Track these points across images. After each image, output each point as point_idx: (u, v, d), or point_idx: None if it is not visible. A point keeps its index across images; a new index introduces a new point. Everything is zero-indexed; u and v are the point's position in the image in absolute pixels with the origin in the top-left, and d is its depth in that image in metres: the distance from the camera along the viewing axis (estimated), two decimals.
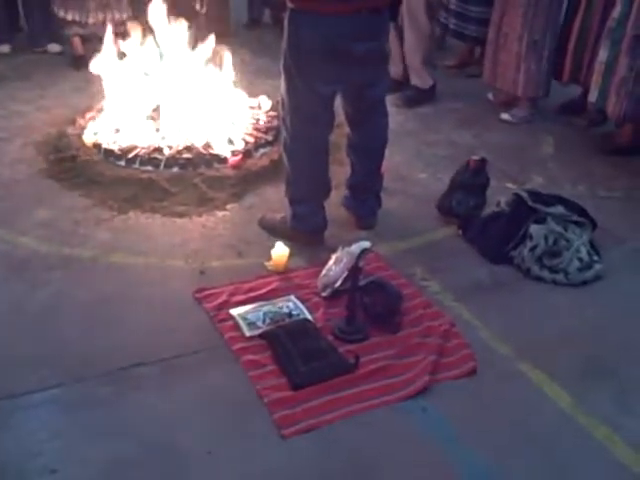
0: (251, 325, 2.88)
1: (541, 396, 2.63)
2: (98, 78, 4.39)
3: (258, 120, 4.50)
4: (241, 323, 2.89)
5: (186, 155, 4.04)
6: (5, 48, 5.81)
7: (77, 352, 2.75)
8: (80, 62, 5.46)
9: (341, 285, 3.01)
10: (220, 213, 3.69)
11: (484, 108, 5.10)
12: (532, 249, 3.28)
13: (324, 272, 3.09)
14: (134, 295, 3.08)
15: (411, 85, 5.08)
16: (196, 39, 4.37)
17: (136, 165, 4.00)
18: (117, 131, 4.22)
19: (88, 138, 4.22)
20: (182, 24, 4.28)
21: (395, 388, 2.61)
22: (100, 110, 4.50)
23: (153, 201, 3.74)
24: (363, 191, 3.58)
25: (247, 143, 4.20)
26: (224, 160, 4.03)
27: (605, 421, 2.51)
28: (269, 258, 3.26)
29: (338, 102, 3.33)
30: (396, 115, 4.61)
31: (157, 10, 4.23)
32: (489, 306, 3.08)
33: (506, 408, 2.58)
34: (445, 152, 4.43)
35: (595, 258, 3.30)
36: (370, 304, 2.94)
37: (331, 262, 3.09)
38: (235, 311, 2.95)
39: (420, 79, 5.06)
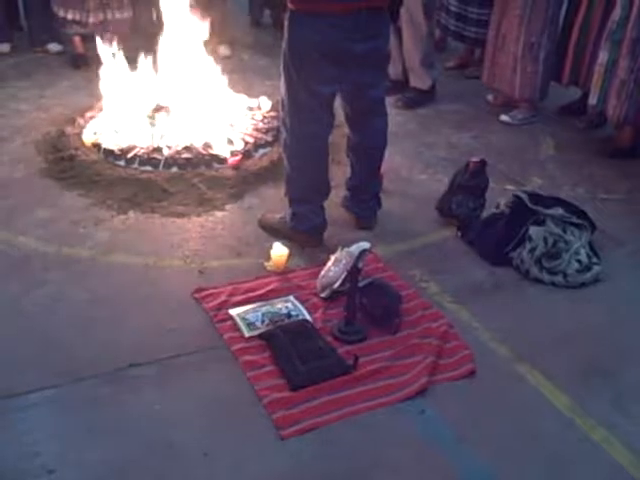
0: (250, 325, 2.88)
1: (539, 398, 2.63)
2: (98, 78, 4.40)
3: (258, 121, 4.49)
4: (240, 323, 2.89)
5: (185, 155, 4.03)
6: (5, 47, 5.80)
7: (75, 352, 2.75)
8: (80, 61, 5.46)
9: (340, 286, 3.01)
10: (219, 213, 3.68)
11: (484, 110, 5.10)
12: (531, 251, 3.28)
13: (323, 273, 3.09)
14: (133, 295, 3.08)
15: (411, 87, 5.08)
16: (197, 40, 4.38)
17: (135, 165, 4.00)
18: (116, 131, 4.22)
19: (87, 138, 4.22)
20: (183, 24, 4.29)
21: (394, 389, 2.61)
22: (100, 110, 4.50)
23: (152, 201, 3.74)
24: (363, 192, 3.58)
25: (247, 143, 4.20)
26: (223, 160, 4.03)
27: (603, 423, 2.51)
28: (268, 258, 3.26)
29: (338, 102, 3.33)
30: (396, 116, 4.62)
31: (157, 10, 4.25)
32: (488, 308, 3.08)
33: (505, 409, 2.58)
34: (445, 153, 4.44)
35: (594, 260, 3.30)
36: (369, 305, 2.94)
37: (330, 263, 3.09)
38: (234, 311, 2.95)
39: (419, 80, 5.05)
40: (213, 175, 3.95)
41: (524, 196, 3.47)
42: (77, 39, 5.50)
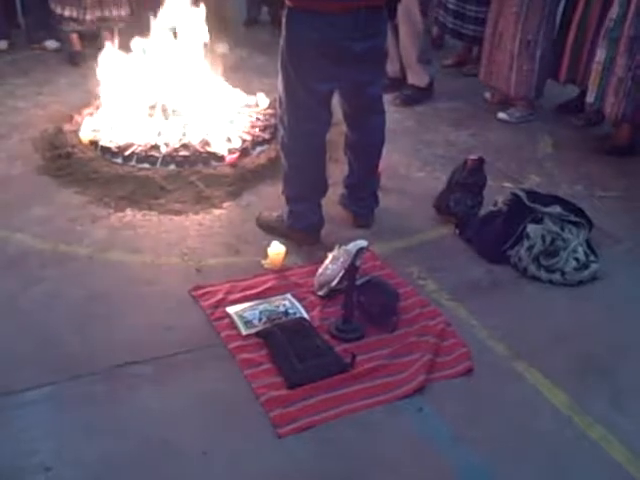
0: (247, 323, 2.87)
1: (537, 395, 2.63)
2: (95, 75, 4.39)
3: (255, 118, 4.48)
4: (237, 321, 2.88)
5: (183, 153, 4.03)
6: (2, 44, 5.79)
7: (72, 350, 2.75)
8: (77, 58, 5.45)
9: (338, 284, 3.00)
10: (217, 211, 3.68)
11: (482, 107, 5.09)
12: (529, 249, 3.28)
13: (321, 271, 3.09)
14: (130, 293, 3.07)
15: (409, 84, 5.08)
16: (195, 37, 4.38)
17: (133, 162, 3.99)
18: (114, 128, 4.21)
19: (85, 135, 4.21)
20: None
21: (391, 387, 2.61)
22: (97, 107, 4.49)
23: (150, 199, 3.73)
24: (360, 189, 3.58)
25: (244, 141, 4.19)
26: (221, 158, 4.03)
27: (601, 421, 2.51)
28: (266, 256, 3.25)
29: (336, 100, 3.33)
30: (394, 114, 4.62)
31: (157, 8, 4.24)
32: (486, 305, 3.08)
33: (502, 407, 2.58)
34: (443, 151, 4.43)
35: (592, 258, 3.30)
36: (366, 303, 2.93)
37: (328, 261, 3.09)
38: (232, 309, 2.95)
39: (417, 77, 5.05)
40: (211, 173, 3.94)
41: (522, 194, 3.46)
42: (74, 36, 5.49)
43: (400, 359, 2.74)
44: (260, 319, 2.90)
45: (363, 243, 3.01)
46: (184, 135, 4.15)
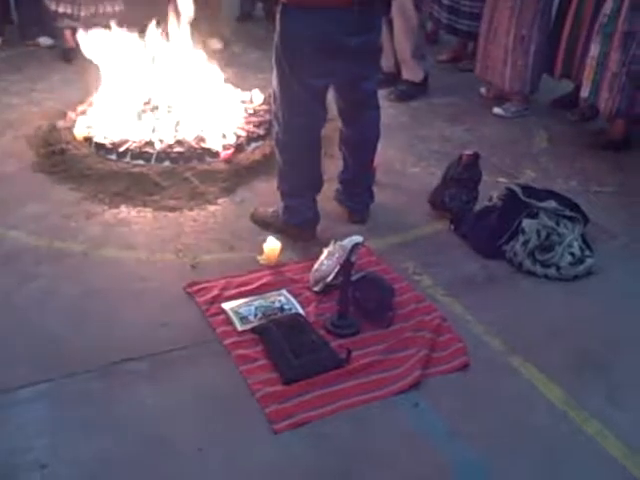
0: (243, 319, 2.87)
1: (533, 390, 2.64)
2: (89, 71, 4.37)
3: (250, 114, 4.48)
4: (233, 317, 2.88)
5: (178, 149, 4.02)
6: None
7: (67, 347, 2.74)
8: (71, 55, 5.43)
9: (333, 279, 3.00)
10: (212, 207, 3.67)
11: (477, 102, 5.10)
12: (524, 243, 3.28)
13: (316, 266, 3.08)
14: (125, 289, 3.07)
15: (403, 79, 5.08)
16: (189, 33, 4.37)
17: (127, 159, 3.98)
18: (108, 125, 4.20)
19: (79, 132, 4.19)
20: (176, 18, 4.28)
21: (387, 383, 2.61)
22: (91, 103, 4.48)
23: (144, 195, 3.72)
24: (355, 185, 3.57)
25: (239, 137, 4.18)
26: (216, 154, 4.02)
27: (596, 415, 2.52)
28: (261, 252, 3.25)
29: (331, 95, 3.32)
30: (389, 109, 4.62)
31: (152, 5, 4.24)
32: (481, 300, 3.08)
33: (498, 402, 2.58)
34: (438, 146, 4.43)
35: (587, 253, 3.30)
36: (362, 299, 2.93)
37: (323, 256, 3.08)
38: (227, 305, 2.94)
39: (411, 72, 5.05)
40: (205, 169, 3.93)
41: (517, 189, 3.47)
42: (68, 33, 5.47)
43: (396, 354, 2.74)
44: (255, 315, 2.89)
45: (358, 239, 3.01)
46: (178, 131, 4.14)
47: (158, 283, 3.12)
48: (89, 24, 5.07)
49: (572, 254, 3.26)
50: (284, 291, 3.05)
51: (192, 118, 4.20)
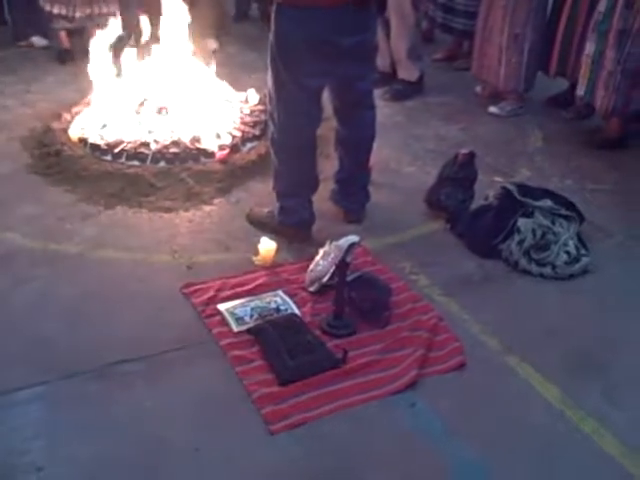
0: (239, 320, 2.87)
1: (529, 390, 2.63)
2: (84, 72, 4.36)
3: (245, 114, 4.47)
4: (229, 318, 2.88)
5: (173, 150, 4.01)
6: None
7: (63, 348, 2.73)
8: (66, 56, 5.43)
9: (329, 280, 3.00)
10: (207, 208, 3.67)
11: (472, 101, 5.10)
12: (520, 242, 3.28)
13: (312, 267, 3.08)
14: (121, 291, 3.06)
15: (399, 79, 5.08)
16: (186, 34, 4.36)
17: (122, 160, 3.98)
18: (103, 126, 4.19)
19: (74, 133, 4.19)
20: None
21: (384, 382, 2.61)
22: (86, 104, 4.47)
23: (140, 196, 3.72)
24: (351, 185, 3.57)
25: (234, 137, 4.18)
26: (211, 155, 4.02)
27: (593, 414, 2.52)
28: (256, 253, 3.24)
29: (326, 95, 3.32)
30: (384, 108, 4.60)
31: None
32: (477, 300, 3.08)
33: (495, 402, 2.58)
34: (433, 146, 4.43)
35: (583, 251, 3.30)
36: (358, 299, 2.93)
37: (319, 257, 3.08)
38: (223, 306, 2.94)
39: (407, 71, 5.05)
40: (201, 169, 3.93)
41: (513, 188, 3.47)
42: (63, 34, 5.47)
43: (392, 354, 2.73)
44: (251, 316, 2.89)
45: (354, 239, 3.00)
46: (174, 132, 4.13)
47: (154, 284, 3.11)
48: (84, 25, 5.09)
49: (568, 253, 3.26)
50: (280, 292, 3.05)
51: (187, 119, 4.19)
